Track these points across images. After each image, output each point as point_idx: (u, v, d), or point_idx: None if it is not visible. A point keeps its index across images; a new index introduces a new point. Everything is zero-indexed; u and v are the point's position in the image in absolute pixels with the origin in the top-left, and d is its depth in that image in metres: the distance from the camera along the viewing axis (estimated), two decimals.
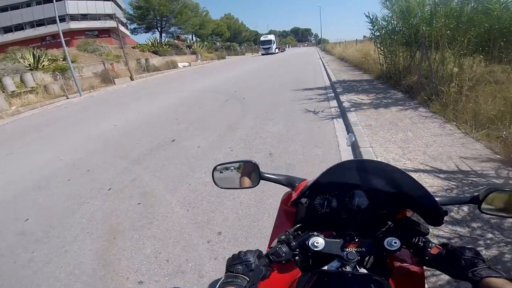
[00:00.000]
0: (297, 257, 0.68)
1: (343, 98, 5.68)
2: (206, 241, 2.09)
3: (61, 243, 2.29)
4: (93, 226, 2.47)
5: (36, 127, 7.11)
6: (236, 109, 6.08)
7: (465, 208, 1.96)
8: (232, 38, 55.79)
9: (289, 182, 0.84)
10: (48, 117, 8.40)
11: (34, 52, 14.78)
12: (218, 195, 2.68)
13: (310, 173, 2.78)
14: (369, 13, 7.50)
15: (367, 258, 0.68)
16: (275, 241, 0.69)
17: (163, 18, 36.63)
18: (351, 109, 4.73)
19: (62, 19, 23.88)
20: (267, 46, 43.06)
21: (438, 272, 0.77)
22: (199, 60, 33.65)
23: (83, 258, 2.08)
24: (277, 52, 44.56)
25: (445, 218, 0.65)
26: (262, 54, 42.42)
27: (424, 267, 0.67)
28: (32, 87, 11.71)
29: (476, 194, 0.68)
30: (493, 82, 3.83)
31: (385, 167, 0.67)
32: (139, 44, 32.13)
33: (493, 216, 1.72)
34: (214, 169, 0.88)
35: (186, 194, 2.82)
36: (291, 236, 0.68)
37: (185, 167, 3.45)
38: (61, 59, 16.69)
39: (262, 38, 46.22)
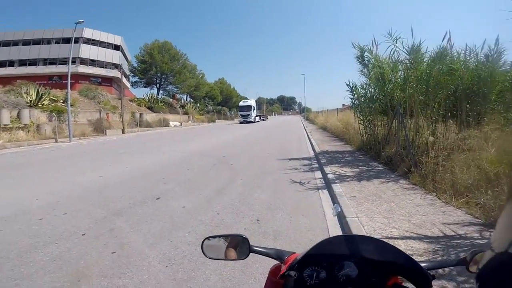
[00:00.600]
0: None
1: (327, 169, 5.88)
2: None
3: (14, 276, 2.07)
4: (56, 266, 2.25)
5: (19, 165, 6.85)
6: (225, 174, 6.22)
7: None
8: (223, 103, 56.34)
9: (278, 255, 0.84)
10: (33, 158, 8.17)
11: (39, 90, 15.36)
12: (201, 255, 2.50)
13: (297, 240, 2.78)
14: (349, 82, 8.02)
15: None
16: None
17: (163, 76, 39.03)
18: (336, 181, 4.90)
19: (73, 61, 24.43)
20: (246, 113, 35.13)
21: None
22: (190, 121, 34.21)
23: None
24: (258, 121, 37.26)
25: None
26: (240, 122, 34.85)
27: None
28: (25, 124, 11.74)
29: (463, 256, 0.73)
30: (466, 149, 4.09)
31: (371, 239, 0.74)
32: (137, 98, 33.62)
33: None
34: (205, 239, 0.90)
35: (166, 250, 2.67)
36: None
37: (168, 224, 3.33)
38: (61, 101, 17.27)
39: (240, 103, 38.32)
